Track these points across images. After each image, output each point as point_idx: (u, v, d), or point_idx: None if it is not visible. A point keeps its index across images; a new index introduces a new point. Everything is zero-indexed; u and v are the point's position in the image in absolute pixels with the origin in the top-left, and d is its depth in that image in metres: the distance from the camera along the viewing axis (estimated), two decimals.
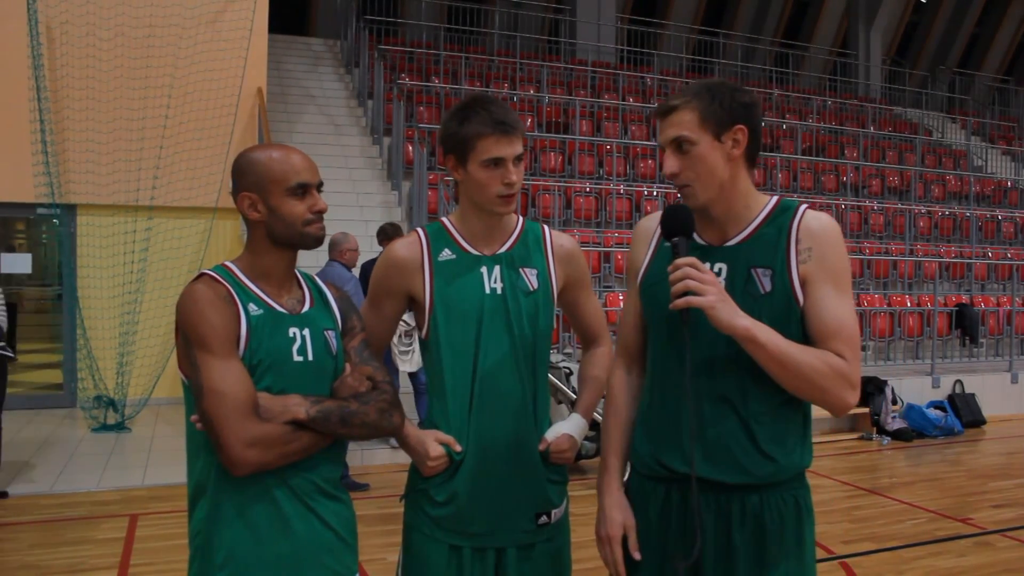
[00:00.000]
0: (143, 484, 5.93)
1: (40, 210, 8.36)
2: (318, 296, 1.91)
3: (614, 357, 2.04)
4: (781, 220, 1.79)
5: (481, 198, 2.00)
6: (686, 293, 1.65)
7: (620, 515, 1.86)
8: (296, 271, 1.92)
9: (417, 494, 2.03)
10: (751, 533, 1.76)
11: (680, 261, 1.68)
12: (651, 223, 1.95)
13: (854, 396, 1.71)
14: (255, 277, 1.82)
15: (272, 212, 1.79)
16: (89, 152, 8.46)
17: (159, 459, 6.57)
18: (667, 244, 1.83)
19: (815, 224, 1.77)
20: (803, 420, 1.82)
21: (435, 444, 1.96)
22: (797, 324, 1.74)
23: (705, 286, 1.64)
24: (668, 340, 1.83)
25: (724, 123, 1.76)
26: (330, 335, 1.85)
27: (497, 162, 1.95)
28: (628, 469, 1.97)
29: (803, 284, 1.74)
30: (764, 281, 1.75)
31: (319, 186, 1.83)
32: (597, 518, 1.90)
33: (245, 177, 1.83)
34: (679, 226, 1.75)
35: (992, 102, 19.09)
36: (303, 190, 1.79)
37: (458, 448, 1.97)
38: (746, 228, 1.80)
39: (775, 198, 1.85)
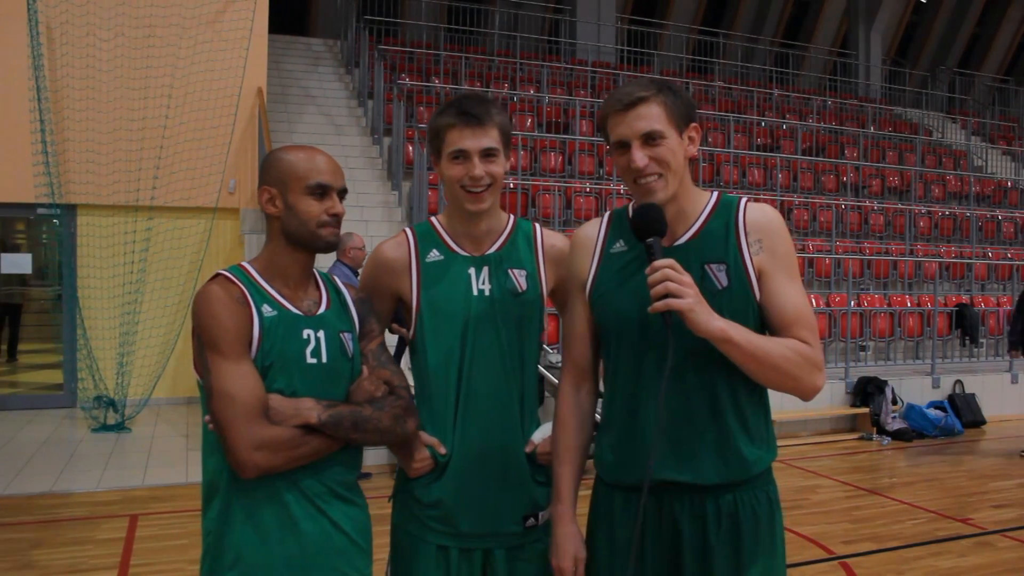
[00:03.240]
0: (143, 484, 5.93)
1: (40, 210, 8.35)
2: (336, 298, 1.90)
3: (561, 375, 1.99)
4: (725, 215, 1.80)
5: (451, 192, 1.99)
6: (665, 296, 1.63)
7: (572, 547, 1.86)
8: (316, 272, 1.91)
9: (404, 495, 2.03)
10: (727, 532, 1.76)
11: (658, 263, 1.65)
12: (591, 231, 1.92)
13: (822, 378, 1.74)
14: (271, 277, 1.82)
15: (289, 209, 1.79)
16: (89, 152, 8.46)
17: (159, 459, 6.56)
18: (613, 251, 1.84)
19: (760, 216, 1.79)
20: (766, 415, 1.84)
21: (420, 446, 1.96)
22: (755, 316, 1.76)
23: (684, 288, 1.63)
24: (635, 346, 1.80)
25: (685, 120, 1.77)
26: (346, 337, 1.84)
27: (461, 154, 1.93)
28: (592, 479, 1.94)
29: (758, 276, 1.76)
30: (720, 276, 1.75)
31: (341, 191, 1.83)
32: (551, 548, 1.89)
33: (269, 172, 1.83)
34: (652, 226, 1.72)
35: (992, 102, 19.10)
36: (322, 191, 1.79)
37: (443, 450, 1.96)
38: (693, 225, 1.81)
39: (715, 193, 1.86)
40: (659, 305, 1.63)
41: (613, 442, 1.85)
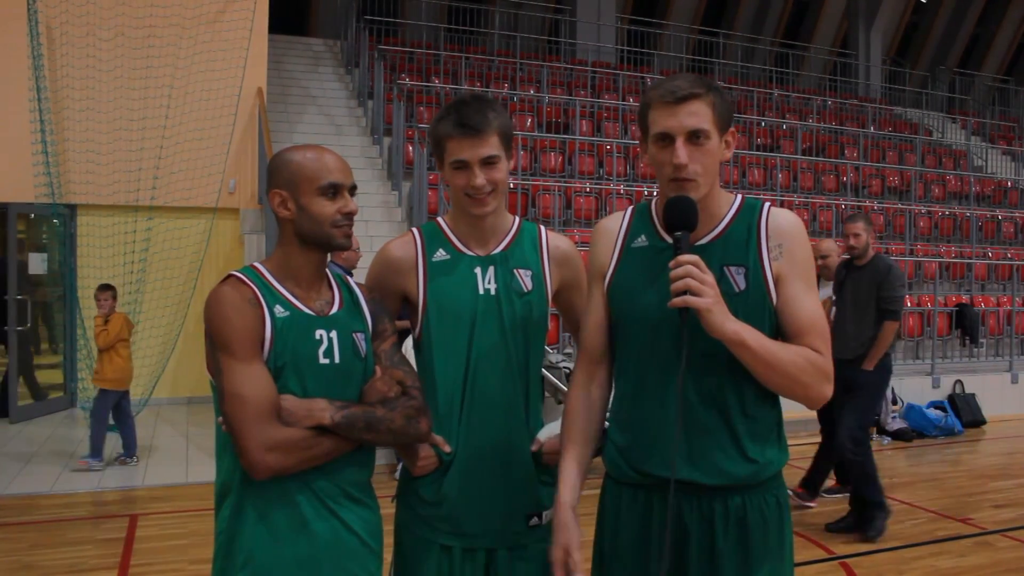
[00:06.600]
0: (143, 484, 5.93)
1: (40, 210, 8.35)
2: (348, 298, 1.90)
3: (575, 366, 1.96)
4: (749, 218, 1.79)
5: (454, 198, 2.02)
6: (684, 292, 1.62)
7: (562, 537, 1.80)
8: (328, 272, 1.91)
9: (408, 494, 2.04)
10: (735, 535, 1.76)
11: (683, 258, 1.63)
12: (613, 223, 1.91)
13: (831, 388, 1.75)
14: (283, 278, 1.81)
15: (302, 211, 1.78)
16: (89, 152, 8.46)
17: (159, 459, 6.56)
18: (634, 246, 1.84)
19: (783, 221, 1.78)
20: (777, 419, 1.85)
21: (425, 444, 1.96)
22: (770, 321, 1.76)
23: (704, 287, 1.61)
24: (651, 342, 1.79)
25: (727, 123, 1.76)
26: (359, 338, 1.84)
27: (461, 164, 1.95)
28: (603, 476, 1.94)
29: (776, 281, 1.76)
30: (738, 279, 1.75)
31: (351, 189, 1.82)
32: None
33: (278, 174, 1.82)
34: (683, 219, 1.69)
35: (992, 102, 19.09)
36: (334, 190, 1.79)
37: (447, 448, 1.97)
38: (716, 226, 1.79)
39: (739, 196, 1.85)
40: (677, 301, 1.62)
41: (620, 439, 1.85)
